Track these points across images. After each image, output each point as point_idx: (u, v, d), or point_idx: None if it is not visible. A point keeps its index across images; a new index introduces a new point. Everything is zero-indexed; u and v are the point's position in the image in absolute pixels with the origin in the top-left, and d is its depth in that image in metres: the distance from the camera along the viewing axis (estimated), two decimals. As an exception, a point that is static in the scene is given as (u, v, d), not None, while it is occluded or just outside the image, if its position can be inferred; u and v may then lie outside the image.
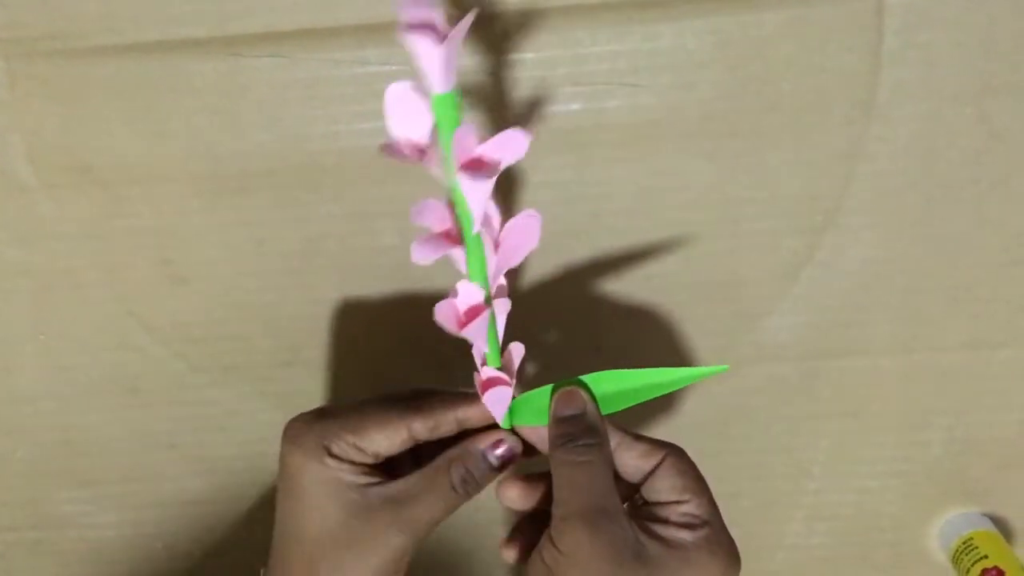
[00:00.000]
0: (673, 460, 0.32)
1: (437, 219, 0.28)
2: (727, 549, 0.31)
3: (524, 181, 0.41)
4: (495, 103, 0.39)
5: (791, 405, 0.45)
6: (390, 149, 0.26)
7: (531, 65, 0.39)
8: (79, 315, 0.43)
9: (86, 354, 0.44)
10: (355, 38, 0.39)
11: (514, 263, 0.29)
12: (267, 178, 0.41)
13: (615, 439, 0.32)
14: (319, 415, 0.33)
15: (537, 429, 0.33)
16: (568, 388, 0.33)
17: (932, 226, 0.42)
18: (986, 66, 0.39)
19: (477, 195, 0.26)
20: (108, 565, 0.48)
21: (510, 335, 0.32)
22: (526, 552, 0.33)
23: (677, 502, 0.31)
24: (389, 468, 0.33)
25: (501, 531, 0.48)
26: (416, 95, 0.26)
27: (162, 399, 0.45)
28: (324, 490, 0.32)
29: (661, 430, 0.46)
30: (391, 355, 0.44)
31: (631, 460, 0.32)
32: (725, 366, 0.34)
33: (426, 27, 0.24)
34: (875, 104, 0.40)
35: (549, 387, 0.33)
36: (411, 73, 0.40)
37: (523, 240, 0.29)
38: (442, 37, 0.24)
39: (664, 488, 0.31)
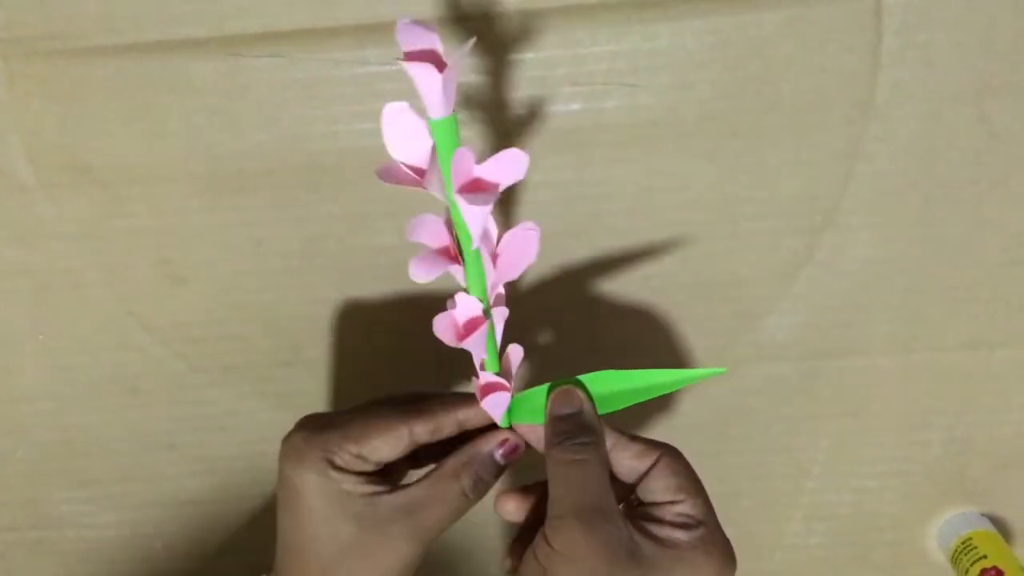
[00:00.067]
0: (668, 460, 0.32)
1: (434, 236, 0.28)
2: (722, 549, 0.30)
3: (524, 181, 0.41)
4: (495, 103, 0.39)
5: (791, 405, 0.45)
6: (387, 173, 0.26)
7: (531, 65, 0.39)
8: (78, 315, 0.43)
9: (85, 354, 0.44)
10: (354, 38, 0.39)
11: (512, 277, 0.29)
12: (266, 178, 0.41)
13: (611, 439, 0.32)
14: (317, 428, 0.33)
15: (535, 428, 0.33)
16: (565, 387, 0.33)
17: (931, 226, 0.42)
18: (985, 66, 0.39)
19: (476, 217, 0.26)
20: (107, 565, 0.48)
21: (509, 335, 0.32)
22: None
23: (672, 502, 0.31)
24: (386, 469, 0.33)
25: (498, 531, 0.48)
26: (413, 116, 0.26)
27: (162, 399, 0.45)
28: (331, 504, 0.32)
29: (660, 430, 0.46)
30: (391, 354, 0.44)
31: (626, 460, 0.32)
32: (723, 368, 0.34)
33: (425, 55, 0.23)
34: (874, 104, 0.40)
35: (546, 386, 0.33)
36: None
37: (521, 254, 0.29)
38: (441, 64, 0.23)
39: (659, 488, 0.31)
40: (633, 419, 0.46)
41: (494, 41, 0.39)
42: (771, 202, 0.41)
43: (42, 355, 0.44)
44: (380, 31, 0.38)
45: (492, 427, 0.34)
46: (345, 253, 0.42)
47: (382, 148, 0.40)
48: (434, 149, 0.25)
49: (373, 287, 0.43)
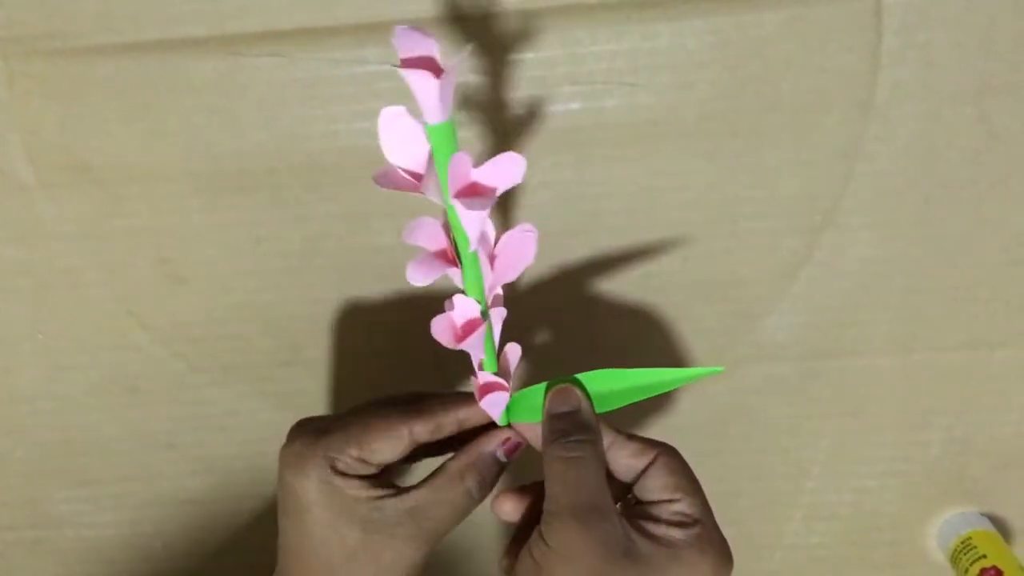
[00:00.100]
0: (665, 459, 0.32)
1: (431, 238, 0.28)
2: (718, 548, 0.30)
3: (523, 181, 0.41)
4: (494, 103, 0.39)
5: (790, 405, 0.45)
6: (384, 178, 0.26)
7: (530, 65, 0.39)
8: (78, 314, 0.43)
9: (85, 353, 0.44)
10: (354, 37, 0.39)
11: (510, 278, 0.29)
12: (266, 177, 0.41)
13: (608, 438, 0.32)
14: (316, 433, 0.32)
15: (533, 426, 0.33)
16: (562, 385, 0.33)
17: (931, 226, 0.42)
18: (985, 66, 0.39)
19: (473, 220, 0.26)
20: (107, 564, 0.48)
21: (507, 335, 0.32)
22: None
23: (669, 501, 0.31)
24: (384, 468, 0.33)
25: (497, 531, 0.48)
26: (409, 120, 0.26)
27: (161, 399, 0.45)
28: (336, 510, 0.31)
29: (660, 429, 0.46)
30: (390, 354, 0.44)
31: (623, 459, 0.32)
32: (721, 367, 0.34)
33: (422, 61, 0.23)
34: (874, 104, 0.40)
35: (544, 385, 0.33)
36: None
37: (519, 256, 0.29)
38: (438, 69, 0.23)
39: (656, 487, 0.31)
40: (633, 419, 0.46)
41: (493, 41, 0.39)
42: (771, 202, 0.41)
43: (41, 355, 0.44)
44: (379, 30, 0.38)
45: (491, 426, 0.34)
46: (345, 253, 0.42)
47: (381, 148, 0.40)
48: (431, 154, 0.25)
49: (373, 287, 0.43)
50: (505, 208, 0.41)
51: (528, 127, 0.40)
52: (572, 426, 0.32)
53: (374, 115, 0.40)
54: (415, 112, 0.25)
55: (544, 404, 0.33)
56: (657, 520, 0.31)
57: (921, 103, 0.40)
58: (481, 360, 0.32)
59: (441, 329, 0.29)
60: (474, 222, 0.26)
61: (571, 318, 0.44)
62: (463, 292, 0.30)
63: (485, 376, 0.32)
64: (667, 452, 0.32)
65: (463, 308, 0.30)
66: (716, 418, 0.46)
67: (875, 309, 0.43)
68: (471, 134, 0.40)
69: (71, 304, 0.43)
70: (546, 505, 0.31)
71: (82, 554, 0.48)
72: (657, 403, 0.46)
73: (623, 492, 0.33)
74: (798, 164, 0.41)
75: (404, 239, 0.27)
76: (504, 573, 0.33)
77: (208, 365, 0.44)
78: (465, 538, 0.48)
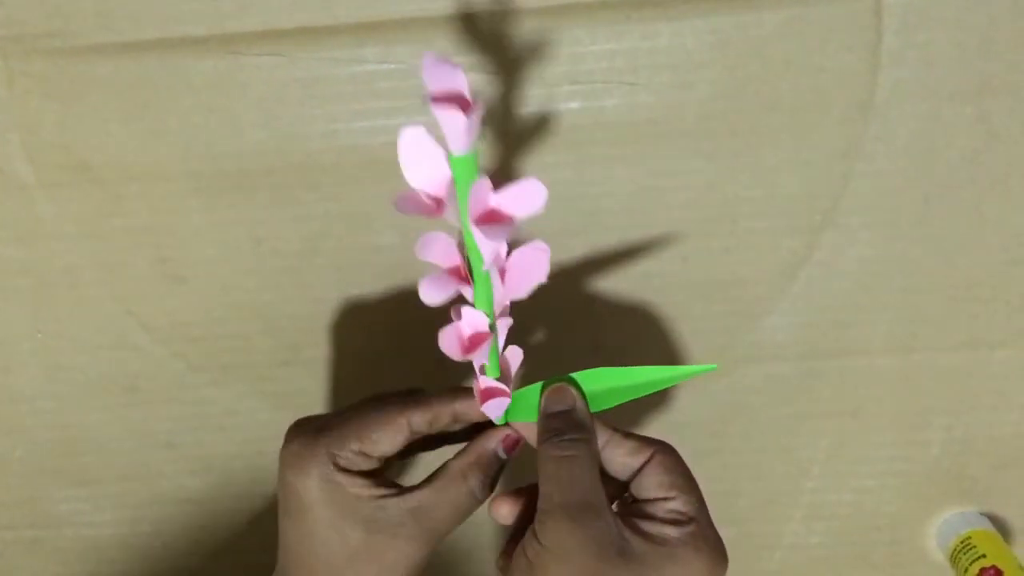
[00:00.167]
0: (661, 457, 0.32)
1: (444, 255, 0.28)
2: (713, 546, 0.30)
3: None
4: (494, 103, 0.39)
5: (790, 405, 0.45)
6: (405, 203, 0.25)
7: (530, 64, 0.39)
8: (77, 314, 0.43)
9: (84, 353, 0.44)
10: (353, 36, 0.39)
11: (520, 295, 0.29)
12: (265, 177, 0.41)
13: (604, 436, 0.32)
14: (315, 432, 0.33)
15: (531, 425, 0.33)
16: (557, 384, 0.33)
17: (931, 226, 0.42)
18: (985, 66, 0.39)
19: (490, 246, 0.26)
20: (106, 564, 0.48)
21: (508, 335, 0.32)
22: None
23: (664, 499, 0.31)
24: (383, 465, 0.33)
25: (496, 532, 0.48)
26: (430, 141, 0.25)
27: (160, 398, 0.45)
28: (339, 510, 0.31)
29: (659, 429, 0.46)
30: (390, 353, 0.44)
31: (620, 457, 0.32)
32: (714, 365, 0.34)
33: (451, 95, 0.23)
34: (874, 104, 0.40)
35: (540, 384, 0.33)
36: (408, 72, 0.40)
37: (530, 273, 0.29)
38: (467, 104, 0.23)
39: (651, 485, 0.31)
40: (632, 418, 0.46)
41: (493, 40, 0.39)
42: (770, 202, 0.41)
43: (41, 354, 0.44)
44: (379, 30, 0.38)
45: (489, 424, 0.34)
46: (344, 252, 0.42)
47: (381, 147, 0.40)
48: (452, 180, 0.25)
49: (372, 286, 0.43)
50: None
51: (528, 126, 0.40)
52: (566, 425, 0.32)
53: (374, 114, 0.40)
54: (430, 124, 0.25)
55: (540, 403, 0.33)
56: (652, 518, 0.31)
57: (921, 103, 0.40)
58: (483, 365, 0.32)
59: (449, 342, 0.29)
60: (491, 248, 0.26)
61: (571, 318, 0.44)
62: (471, 305, 0.29)
63: (486, 381, 0.32)
64: (663, 450, 0.32)
65: (471, 320, 0.29)
66: (716, 418, 0.46)
67: (875, 309, 0.43)
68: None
69: (70, 303, 0.43)
70: (540, 504, 0.31)
71: (81, 553, 0.48)
72: (657, 402, 0.46)
73: (620, 490, 0.33)
74: (798, 164, 0.41)
75: (416, 254, 0.27)
76: (501, 573, 0.33)
77: (207, 365, 0.44)
78: (465, 538, 0.48)
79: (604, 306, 0.43)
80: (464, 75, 0.23)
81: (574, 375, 0.33)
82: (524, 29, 0.38)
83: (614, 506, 0.34)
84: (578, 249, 0.42)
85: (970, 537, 0.45)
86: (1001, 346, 0.44)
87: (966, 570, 0.44)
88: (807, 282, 0.43)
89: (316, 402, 0.45)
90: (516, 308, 0.32)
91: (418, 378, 0.44)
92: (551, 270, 0.34)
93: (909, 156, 0.41)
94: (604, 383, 0.33)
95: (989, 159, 0.41)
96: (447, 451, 0.35)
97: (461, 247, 0.28)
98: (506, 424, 0.34)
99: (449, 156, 0.24)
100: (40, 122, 0.40)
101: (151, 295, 0.43)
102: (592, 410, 0.33)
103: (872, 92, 0.39)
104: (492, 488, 0.34)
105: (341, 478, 0.31)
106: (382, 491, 0.32)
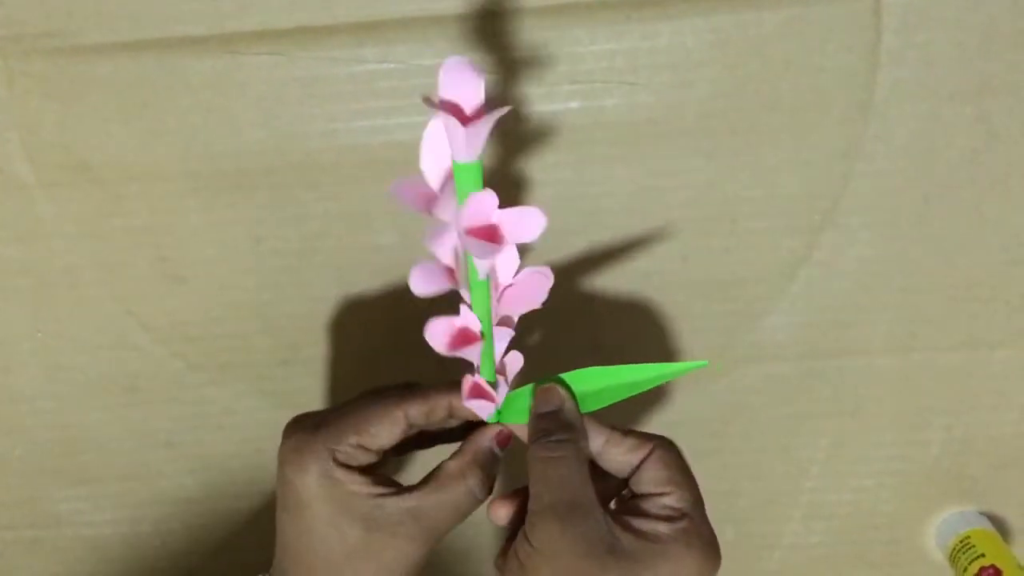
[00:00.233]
0: (660, 453, 0.32)
1: (449, 254, 0.28)
2: (705, 542, 0.30)
3: (522, 180, 0.41)
4: (493, 102, 0.39)
5: (789, 404, 0.45)
6: (400, 191, 0.25)
7: (530, 63, 0.39)
8: (77, 313, 0.43)
9: (84, 352, 0.44)
10: (353, 36, 0.39)
11: (515, 313, 0.29)
12: (265, 176, 0.41)
13: (603, 436, 0.32)
14: (313, 427, 0.33)
15: (526, 427, 0.33)
16: (546, 385, 0.33)
17: (930, 226, 0.42)
18: (985, 66, 0.39)
19: (484, 262, 0.26)
20: (106, 563, 0.48)
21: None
22: None
23: (660, 494, 0.31)
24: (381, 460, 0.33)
25: (495, 532, 0.48)
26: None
27: (160, 397, 0.45)
28: (337, 507, 0.31)
29: (659, 429, 0.45)
30: (389, 352, 0.44)
31: (620, 456, 0.32)
32: (705, 361, 0.34)
33: (461, 103, 0.23)
34: (873, 103, 0.40)
35: (531, 386, 0.33)
36: (408, 71, 0.40)
37: (529, 295, 0.29)
38: (476, 112, 0.23)
39: (648, 480, 0.31)
40: (632, 419, 0.46)
41: (492, 40, 0.39)
42: (770, 201, 0.41)
43: (40, 354, 0.44)
44: (378, 29, 0.38)
45: (483, 422, 0.34)
46: (343, 251, 0.42)
47: (380, 147, 0.40)
48: (452, 181, 0.25)
49: (371, 285, 0.43)
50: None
51: (528, 126, 0.40)
52: (554, 425, 0.32)
53: (373, 113, 0.40)
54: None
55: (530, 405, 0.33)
56: (646, 515, 0.31)
57: (920, 103, 0.40)
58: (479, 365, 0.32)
59: (435, 334, 0.29)
60: (485, 263, 0.26)
61: (571, 317, 0.44)
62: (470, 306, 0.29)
63: (477, 379, 0.32)
64: (663, 445, 0.32)
65: (465, 320, 0.30)
66: (715, 417, 0.46)
67: (874, 309, 0.43)
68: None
69: (70, 303, 0.43)
70: (530, 505, 0.31)
71: (81, 553, 0.48)
72: (656, 402, 0.46)
73: (621, 487, 0.33)
74: (797, 163, 0.41)
75: (424, 242, 0.26)
76: (499, 572, 0.33)
77: (207, 364, 0.44)
78: (463, 538, 0.48)
79: (604, 305, 0.43)
80: (482, 83, 0.23)
81: (564, 375, 0.33)
82: (524, 29, 0.38)
83: (612, 503, 0.34)
84: (578, 248, 0.42)
85: (969, 536, 0.45)
86: (1001, 346, 0.44)
87: (965, 569, 0.44)
88: (807, 282, 0.43)
89: (315, 401, 0.45)
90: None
91: (416, 376, 0.44)
92: (551, 269, 0.34)
93: (909, 156, 0.40)
94: (596, 383, 0.33)
95: (989, 159, 0.40)
96: (446, 451, 0.35)
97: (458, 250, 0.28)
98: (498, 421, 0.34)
99: (453, 162, 0.24)
100: (40, 122, 0.40)
101: (151, 295, 0.43)
102: (586, 410, 0.33)
103: (872, 92, 0.39)
104: (491, 487, 0.34)
105: (340, 474, 0.31)
106: (380, 489, 0.32)
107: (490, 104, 0.23)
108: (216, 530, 0.48)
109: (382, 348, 0.44)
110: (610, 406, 0.33)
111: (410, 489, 0.33)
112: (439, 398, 0.33)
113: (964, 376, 0.44)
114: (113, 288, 0.43)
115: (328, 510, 0.31)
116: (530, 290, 0.29)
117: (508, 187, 0.41)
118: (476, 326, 0.29)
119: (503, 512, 0.34)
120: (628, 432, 0.33)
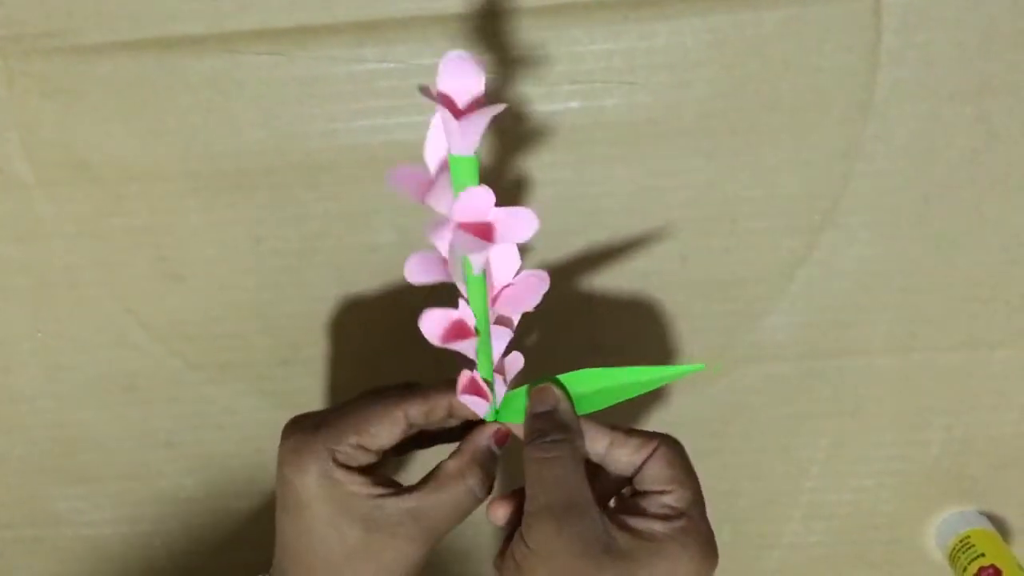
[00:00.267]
0: (664, 450, 0.32)
1: (447, 244, 0.28)
2: (702, 541, 0.30)
3: (522, 179, 0.41)
4: (492, 102, 0.39)
5: (789, 404, 0.45)
6: (396, 177, 0.25)
7: (529, 63, 0.39)
8: (76, 313, 0.43)
9: (83, 352, 0.44)
10: (352, 35, 0.39)
11: (508, 314, 0.29)
12: (264, 176, 0.41)
13: (607, 438, 0.32)
14: (313, 428, 0.32)
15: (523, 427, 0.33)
16: (541, 385, 0.33)
17: (930, 225, 0.42)
18: (985, 66, 0.39)
19: (474, 257, 0.26)
20: (105, 562, 0.48)
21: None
22: None
23: (660, 492, 0.31)
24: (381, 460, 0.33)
25: (494, 532, 0.48)
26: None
27: (159, 397, 0.45)
28: (337, 507, 0.31)
29: (659, 429, 0.46)
30: (389, 352, 0.44)
31: (624, 456, 0.32)
32: (702, 364, 0.34)
33: (458, 96, 0.23)
34: (873, 103, 0.40)
35: (526, 387, 0.33)
36: (408, 71, 0.40)
37: (523, 297, 0.29)
38: (471, 105, 0.23)
39: (651, 477, 0.31)
40: (632, 419, 0.46)
41: (491, 40, 0.39)
42: (770, 201, 0.41)
43: (40, 353, 0.44)
44: (378, 28, 0.38)
45: (481, 422, 0.34)
46: (343, 251, 0.42)
47: (380, 146, 0.40)
48: (447, 171, 0.25)
49: (371, 284, 0.43)
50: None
51: (527, 126, 0.40)
52: (549, 426, 0.32)
53: (373, 113, 0.40)
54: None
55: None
56: (644, 513, 0.31)
57: (920, 102, 0.40)
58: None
59: (430, 325, 0.29)
60: (479, 260, 0.26)
61: (570, 317, 0.44)
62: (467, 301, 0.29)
63: (473, 375, 0.32)
64: (667, 443, 0.32)
65: (461, 314, 0.30)
66: (715, 417, 0.46)
67: (874, 309, 0.43)
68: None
69: (70, 303, 0.43)
70: (526, 506, 0.31)
71: (81, 552, 0.48)
72: (656, 402, 0.45)
73: (621, 485, 0.33)
74: (797, 163, 0.41)
75: (425, 233, 0.26)
76: (497, 572, 0.33)
77: (206, 363, 0.44)
78: (463, 538, 0.48)
79: (603, 305, 0.43)
80: (482, 77, 0.23)
81: (561, 376, 0.33)
82: (523, 28, 0.38)
83: (612, 501, 0.34)
84: (577, 248, 0.42)
85: (969, 536, 0.45)
86: (1001, 346, 0.44)
87: (965, 569, 0.44)
88: (807, 282, 0.43)
89: (315, 401, 0.45)
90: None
91: (416, 376, 0.44)
92: (551, 269, 0.34)
93: (909, 156, 0.40)
94: (593, 384, 0.33)
95: (989, 159, 0.40)
96: (446, 451, 0.35)
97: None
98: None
99: (449, 155, 0.24)
100: (40, 122, 0.40)
101: (150, 294, 0.43)
102: (583, 412, 0.33)
103: (871, 92, 0.39)
104: (491, 486, 0.34)
105: (339, 475, 0.31)
106: (380, 490, 0.32)
107: (488, 101, 0.23)
108: (216, 530, 0.48)
109: (382, 348, 0.44)
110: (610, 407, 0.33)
111: (410, 489, 0.32)
112: (439, 398, 0.33)
113: (964, 376, 0.44)
114: (113, 287, 0.43)
115: (328, 510, 0.31)
116: (525, 292, 0.29)
117: (508, 186, 0.41)
118: (471, 321, 0.29)
119: (501, 512, 0.34)
120: (631, 432, 0.33)
